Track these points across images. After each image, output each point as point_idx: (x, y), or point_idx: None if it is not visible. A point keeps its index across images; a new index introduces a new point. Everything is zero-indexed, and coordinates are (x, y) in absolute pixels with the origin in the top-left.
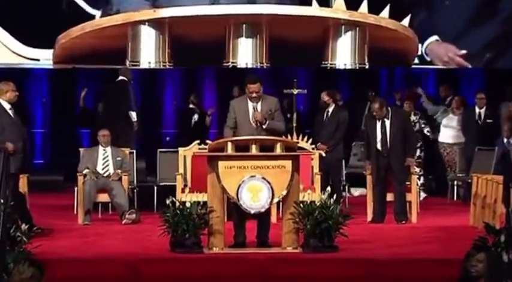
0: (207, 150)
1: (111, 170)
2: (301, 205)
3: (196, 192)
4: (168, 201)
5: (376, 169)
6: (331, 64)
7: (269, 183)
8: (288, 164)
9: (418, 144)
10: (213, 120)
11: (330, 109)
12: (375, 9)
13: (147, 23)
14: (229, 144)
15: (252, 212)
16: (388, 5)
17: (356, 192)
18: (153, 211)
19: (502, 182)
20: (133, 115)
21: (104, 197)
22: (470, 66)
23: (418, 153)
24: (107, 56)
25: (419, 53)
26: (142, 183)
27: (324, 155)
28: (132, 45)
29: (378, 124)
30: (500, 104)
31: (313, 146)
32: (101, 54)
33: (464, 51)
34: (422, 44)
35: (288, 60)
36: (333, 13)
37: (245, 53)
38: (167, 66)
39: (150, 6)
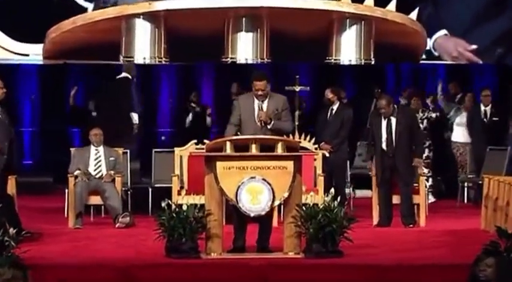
0: (204, 150)
1: (104, 171)
2: (304, 208)
3: (193, 195)
4: (163, 204)
5: (380, 170)
6: (335, 60)
7: (270, 184)
8: (290, 164)
9: (427, 144)
10: (213, 120)
11: (334, 107)
12: (381, 2)
13: (141, 17)
14: (228, 143)
15: (252, 215)
16: None
17: (359, 193)
18: (147, 214)
19: None
20: (135, 117)
21: (96, 200)
22: (481, 62)
23: (426, 153)
24: (100, 51)
25: (427, 47)
26: (137, 185)
27: (327, 155)
28: (126, 39)
29: (384, 122)
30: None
31: (316, 145)
32: (93, 49)
33: (474, 46)
34: (430, 38)
35: (289, 56)
36: (338, 6)
37: (245, 48)
38: (163, 62)
39: None
